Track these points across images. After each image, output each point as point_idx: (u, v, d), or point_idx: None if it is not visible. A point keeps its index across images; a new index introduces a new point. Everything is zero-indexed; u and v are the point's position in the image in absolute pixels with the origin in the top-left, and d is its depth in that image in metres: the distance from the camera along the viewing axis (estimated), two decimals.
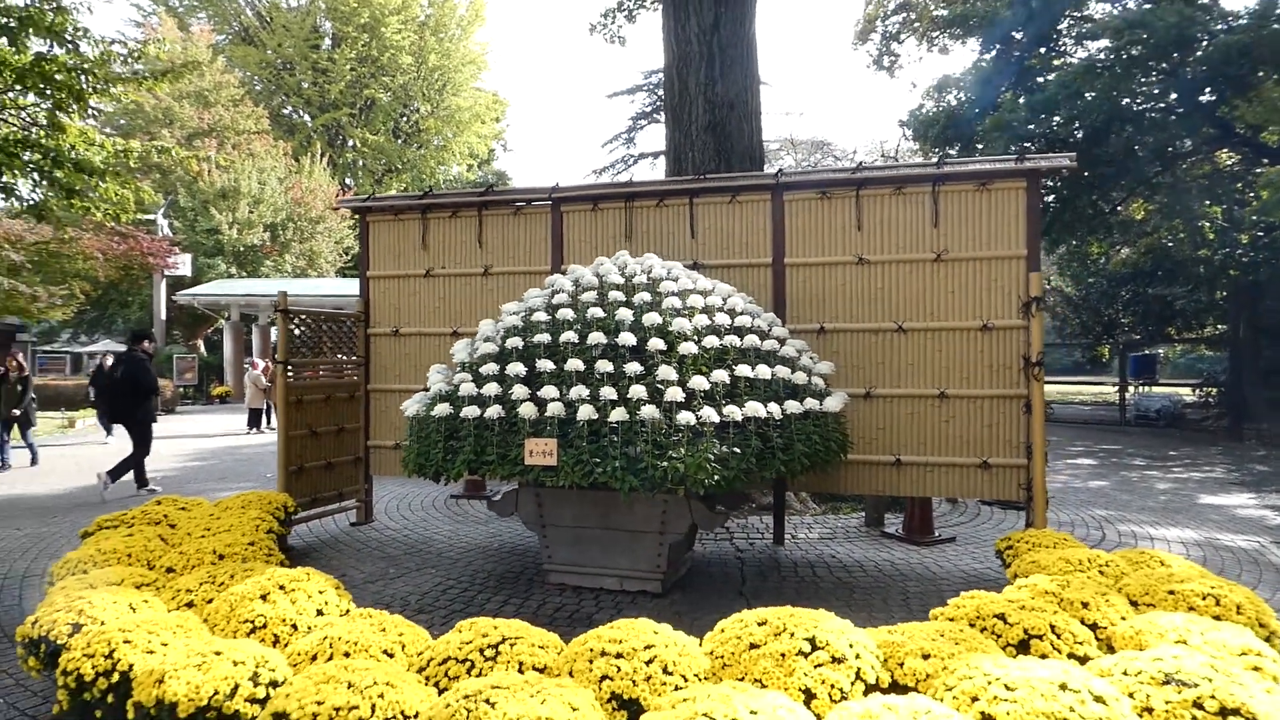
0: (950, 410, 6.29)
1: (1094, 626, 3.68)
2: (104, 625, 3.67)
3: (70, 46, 10.17)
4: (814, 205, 6.58)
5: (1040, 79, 18.33)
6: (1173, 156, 17.51)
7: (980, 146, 17.76)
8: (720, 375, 4.71)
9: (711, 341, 4.97)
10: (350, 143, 41.64)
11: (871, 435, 6.43)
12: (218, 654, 3.26)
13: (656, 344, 4.82)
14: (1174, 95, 17.32)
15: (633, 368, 4.75)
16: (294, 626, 3.74)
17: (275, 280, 28.38)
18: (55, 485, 10.39)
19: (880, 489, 6.46)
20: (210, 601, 4.06)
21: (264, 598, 3.87)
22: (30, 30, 9.68)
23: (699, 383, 4.61)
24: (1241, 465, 12.47)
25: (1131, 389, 22.61)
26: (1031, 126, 16.64)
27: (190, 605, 4.17)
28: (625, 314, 5.09)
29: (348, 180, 40.87)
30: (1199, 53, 15.53)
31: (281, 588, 3.95)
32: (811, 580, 5.82)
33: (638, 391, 4.59)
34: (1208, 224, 18.36)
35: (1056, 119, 16.36)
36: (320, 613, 3.91)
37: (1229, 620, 3.70)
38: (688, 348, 4.80)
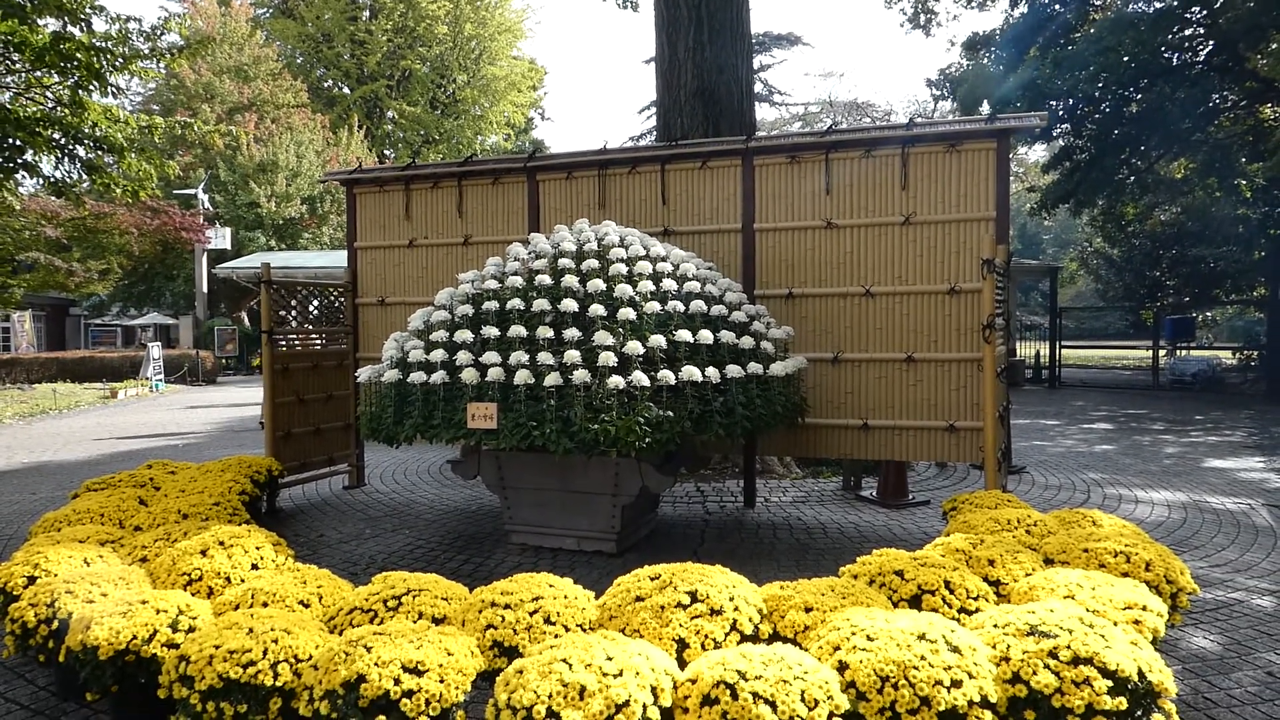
0: (918, 374, 6.29)
1: (997, 583, 3.74)
2: (54, 577, 3.92)
3: (83, 25, 10.46)
4: (784, 170, 6.58)
5: (1073, 34, 17.77)
6: (1209, 112, 16.89)
7: (1019, 105, 17.33)
8: (658, 340, 4.78)
9: (653, 307, 5.05)
10: (389, 114, 41.96)
11: (840, 399, 6.47)
12: (144, 603, 3.47)
13: (596, 310, 4.91)
14: (1210, 47, 16.71)
15: (571, 333, 4.86)
16: (227, 579, 3.96)
17: (312, 253, 28.93)
18: (83, 453, 10.86)
19: (849, 452, 6.50)
20: (159, 556, 4.30)
21: (204, 553, 4.09)
22: (42, 9, 9.96)
23: (634, 347, 4.71)
24: (1266, 429, 12.16)
25: (1168, 352, 22.10)
26: (1058, 83, 16.17)
27: (144, 560, 4.41)
28: (571, 280, 5.19)
29: (386, 152, 41.28)
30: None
31: (221, 544, 4.17)
32: (770, 541, 5.90)
33: (573, 356, 4.70)
34: (1244, 182, 17.72)
35: (1083, 76, 15.85)
36: (255, 567, 4.12)
37: (1137, 576, 3.72)
38: (626, 313, 4.88)
